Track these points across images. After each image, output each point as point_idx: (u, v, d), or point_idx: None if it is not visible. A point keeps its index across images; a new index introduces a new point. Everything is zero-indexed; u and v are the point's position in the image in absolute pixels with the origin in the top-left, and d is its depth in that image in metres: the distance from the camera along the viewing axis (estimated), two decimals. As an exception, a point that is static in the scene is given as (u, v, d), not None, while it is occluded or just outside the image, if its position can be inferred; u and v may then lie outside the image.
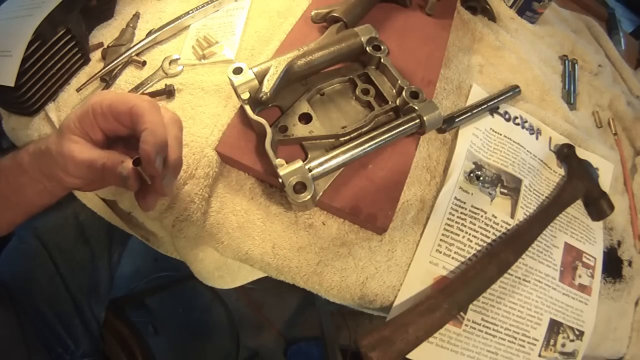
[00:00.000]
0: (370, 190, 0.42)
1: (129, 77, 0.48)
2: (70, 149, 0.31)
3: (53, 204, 0.36)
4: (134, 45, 0.49)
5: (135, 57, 0.49)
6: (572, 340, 0.46)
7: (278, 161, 0.37)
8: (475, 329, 0.42)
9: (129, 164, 0.30)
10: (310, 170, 0.37)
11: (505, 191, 0.49)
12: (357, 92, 0.46)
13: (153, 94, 0.47)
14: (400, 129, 0.42)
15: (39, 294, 0.54)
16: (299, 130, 0.42)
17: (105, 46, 0.50)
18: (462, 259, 0.44)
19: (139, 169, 0.30)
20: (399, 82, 0.45)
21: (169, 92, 0.47)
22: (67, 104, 0.46)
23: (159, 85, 0.48)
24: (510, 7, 0.72)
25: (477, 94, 0.56)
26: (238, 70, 0.41)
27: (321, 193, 0.40)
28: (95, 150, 0.32)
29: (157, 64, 0.49)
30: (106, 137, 0.34)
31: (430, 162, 0.49)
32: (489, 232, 0.46)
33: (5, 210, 0.35)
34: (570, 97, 0.64)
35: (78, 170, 0.32)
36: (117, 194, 0.44)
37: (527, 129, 0.56)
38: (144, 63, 0.49)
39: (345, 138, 0.43)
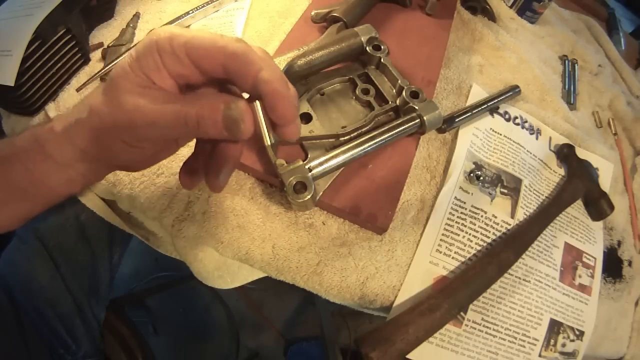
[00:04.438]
0: (370, 190, 0.42)
1: (129, 77, 0.48)
2: (138, 104, 0.24)
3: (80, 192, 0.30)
4: (134, 45, 0.49)
5: (136, 57, 0.49)
6: (573, 340, 0.46)
7: (278, 161, 0.37)
8: (475, 329, 0.42)
9: (239, 102, 0.24)
10: (310, 170, 0.37)
11: (505, 191, 0.49)
12: (357, 92, 0.46)
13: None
14: (401, 128, 0.42)
15: (39, 295, 0.54)
16: (299, 130, 0.42)
17: (105, 46, 0.50)
18: (462, 259, 0.44)
19: (256, 104, 0.24)
20: (399, 82, 0.45)
21: (169, 92, 0.47)
22: (67, 103, 0.46)
23: (159, 85, 0.48)
24: (510, 7, 0.72)
25: (477, 94, 0.56)
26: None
27: (321, 193, 0.40)
28: (176, 96, 0.25)
29: (157, 64, 0.49)
30: (179, 87, 0.26)
31: (430, 162, 0.49)
32: (489, 232, 0.46)
33: (20, 202, 0.28)
34: (570, 97, 0.64)
35: (153, 131, 0.24)
36: (117, 194, 0.44)
37: (527, 129, 0.56)
38: (144, 63, 0.49)
39: (345, 138, 0.43)
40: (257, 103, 0.25)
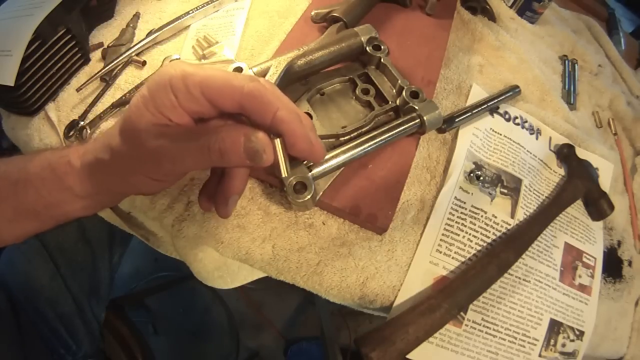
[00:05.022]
0: (370, 190, 0.42)
1: (129, 77, 0.48)
2: (161, 144, 0.24)
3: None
4: (134, 45, 0.49)
5: (135, 57, 0.49)
6: (573, 340, 0.46)
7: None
8: (475, 329, 0.42)
9: (259, 134, 0.25)
10: (310, 170, 0.37)
11: (505, 191, 0.49)
12: (357, 92, 0.46)
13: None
14: (401, 128, 0.42)
15: (40, 295, 0.54)
16: (299, 130, 0.42)
17: (105, 46, 0.50)
18: (462, 259, 0.44)
19: (277, 141, 0.25)
20: (399, 82, 0.45)
21: (169, 92, 0.47)
22: (67, 103, 0.46)
23: (159, 85, 0.48)
24: (510, 7, 0.72)
25: (477, 94, 0.56)
26: (238, 70, 0.41)
27: (321, 193, 0.40)
28: (196, 131, 0.25)
29: (157, 64, 0.49)
30: (195, 120, 0.26)
31: (430, 162, 0.49)
32: (489, 232, 0.46)
33: (30, 221, 0.29)
34: (570, 97, 0.64)
35: (179, 167, 0.25)
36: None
37: (527, 129, 0.56)
38: (144, 63, 0.49)
39: (345, 138, 0.43)
40: (278, 141, 0.26)
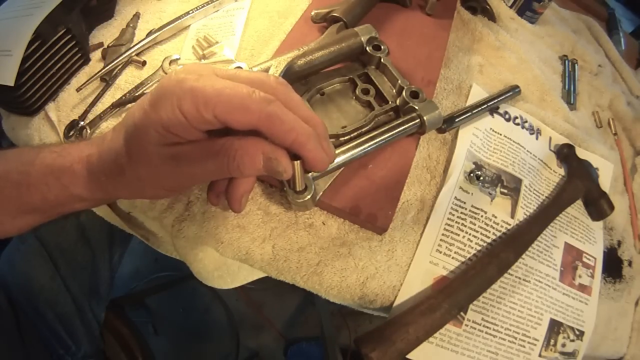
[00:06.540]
0: (370, 190, 0.42)
1: (129, 77, 0.48)
2: (177, 164, 0.24)
3: None
4: (134, 45, 0.49)
5: (135, 57, 0.49)
6: (573, 340, 0.46)
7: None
8: (475, 329, 0.42)
9: (278, 153, 0.24)
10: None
11: (505, 191, 0.49)
12: (357, 92, 0.46)
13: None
14: (401, 128, 0.42)
15: (39, 295, 0.54)
16: (299, 130, 0.42)
17: (105, 46, 0.50)
18: (462, 259, 0.44)
19: (297, 163, 0.26)
20: (399, 82, 0.45)
21: (169, 92, 0.47)
22: (67, 103, 0.46)
23: (159, 85, 0.48)
24: (510, 7, 0.72)
25: (477, 94, 0.56)
26: (238, 70, 0.41)
27: (321, 193, 0.40)
28: (210, 145, 0.24)
29: (157, 64, 0.49)
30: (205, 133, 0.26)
31: (430, 162, 0.49)
32: (489, 232, 0.46)
33: (33, 216, 0.30)
34: (570, 97, 0.64)
35: (197, 181, 0.27)
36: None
37: (527, 129, 0.56)
38: (144, 63, 0.49)
39: (345, 138, 0.43)
40: (298, 162, 0.26)
